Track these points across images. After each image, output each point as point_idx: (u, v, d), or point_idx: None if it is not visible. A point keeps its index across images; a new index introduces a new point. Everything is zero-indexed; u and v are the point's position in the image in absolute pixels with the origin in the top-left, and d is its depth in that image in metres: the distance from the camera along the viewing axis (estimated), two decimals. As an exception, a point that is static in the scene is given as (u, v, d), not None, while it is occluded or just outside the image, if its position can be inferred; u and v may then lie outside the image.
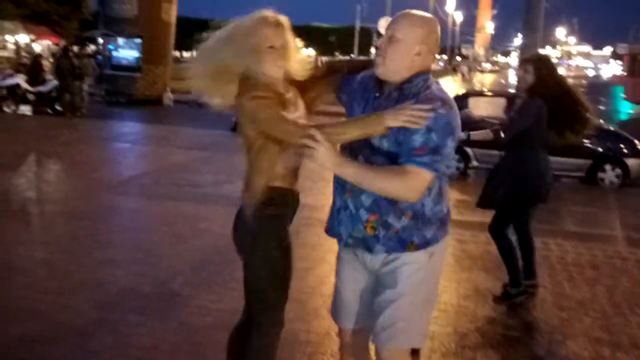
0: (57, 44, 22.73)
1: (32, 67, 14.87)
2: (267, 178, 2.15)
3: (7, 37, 22.72)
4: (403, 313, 2.06)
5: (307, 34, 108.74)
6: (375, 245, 2.06)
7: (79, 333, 3.24)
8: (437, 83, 2.06)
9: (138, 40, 17.56)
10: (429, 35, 2.02)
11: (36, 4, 26.00)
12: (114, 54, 17.86)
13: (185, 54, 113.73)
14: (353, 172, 1.96)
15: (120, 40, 17.83)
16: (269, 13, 2.13)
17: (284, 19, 2.15)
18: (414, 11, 2.07)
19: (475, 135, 4.13)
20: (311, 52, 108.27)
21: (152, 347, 3.15)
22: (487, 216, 4.16)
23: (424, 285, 2.12)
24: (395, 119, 1.91)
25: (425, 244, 2.06)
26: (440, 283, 2.42)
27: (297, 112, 2.15)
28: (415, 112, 1.90)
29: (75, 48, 19.86)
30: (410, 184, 1.93)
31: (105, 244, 4.80)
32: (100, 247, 4.69)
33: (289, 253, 2.25)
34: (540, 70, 3.83)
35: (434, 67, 3.26)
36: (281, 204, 2.21)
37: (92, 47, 28.21)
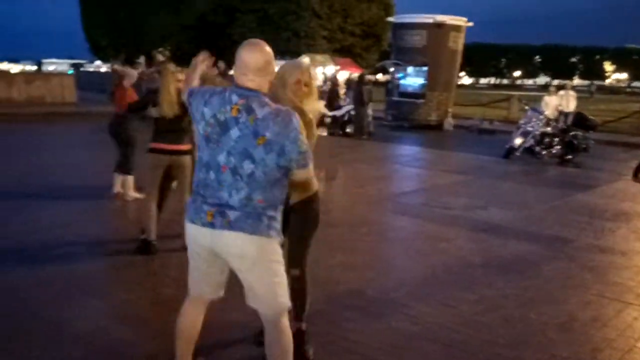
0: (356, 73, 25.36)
1: (330, 94, 16.99)
2: None
3: (319, 68, 26.25)
4: None
5: (621, 57, 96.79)
6: None
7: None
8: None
9: (425, 68, 18.49)
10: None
11: (344, 39, 29.51)
12: (402, 82, 19.13)
13: (483, 80, 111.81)
14: None
15: (409, 69, 19.02)
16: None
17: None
18: None
19: None
20: (623, 76, 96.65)
21: (356, 341, 3.53)
22: None
23: None
24: None
25: None
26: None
27: None
28: None
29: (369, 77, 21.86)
30: None
31: (348, 250, 5.41)
32: (344, 252, 5.30)
33: None
34: None
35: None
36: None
37: (379, 76, 30.71)
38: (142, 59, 20.13)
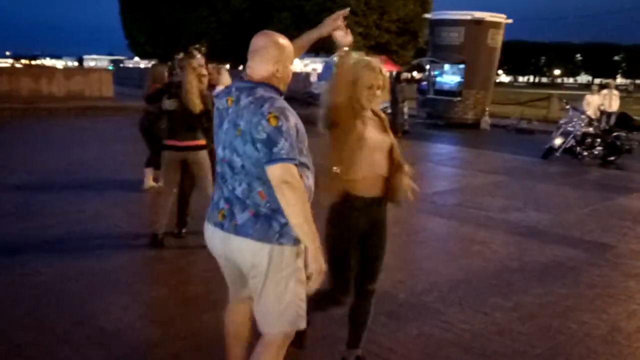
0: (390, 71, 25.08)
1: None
2: None
3: (353, 65, 25.96)
4: None
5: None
6: None
7: (333, 321, 3.70)
8: None
9: (462, 66, 18.15)
10: None
11: (379, 36, 29.15)
12: (438, 79, 18.84)
13: (521, 78, 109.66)
14: None
15: (446, 66, 18.70)
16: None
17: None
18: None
19: None
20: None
21: (388, 348, 3.41)
22: None
23: None
24: None
25: None
26: None
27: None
28: None
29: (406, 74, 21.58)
30: None
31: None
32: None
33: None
34: None
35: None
36: None
37: (414, 74, 30.30)
38: (182, 56, 20.25)
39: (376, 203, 2.81)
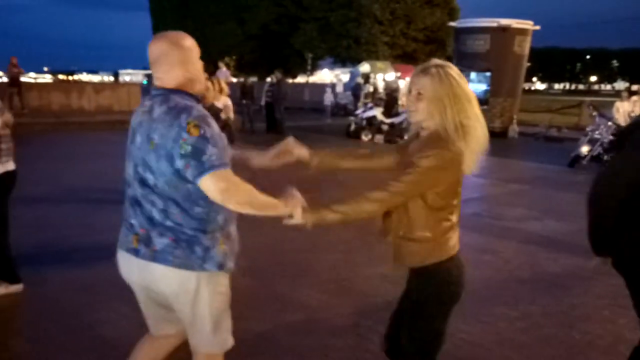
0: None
1: (387, 101, 16.79)
2: None
3: (379, 75, 26.01)
4: None
5: None
6: None
7: (332, 331, 3.71)
8: None
9: (488, 74, 17.96)
10: None
11: (406, 45, 29.20)
12: (464, 88, 18.66)
13: (557, 86, 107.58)
14: None
15: (472, 75, 18.50)
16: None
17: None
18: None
19: None
20: None
21: (383, 357, 3.38)
22: None
23: None
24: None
25: None
26: None
27: None
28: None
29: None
30: None
31: (389, 260, 5.23)
32: (384, 262, 5.12)
33: None
34: None
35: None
36: None
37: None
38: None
39: None
